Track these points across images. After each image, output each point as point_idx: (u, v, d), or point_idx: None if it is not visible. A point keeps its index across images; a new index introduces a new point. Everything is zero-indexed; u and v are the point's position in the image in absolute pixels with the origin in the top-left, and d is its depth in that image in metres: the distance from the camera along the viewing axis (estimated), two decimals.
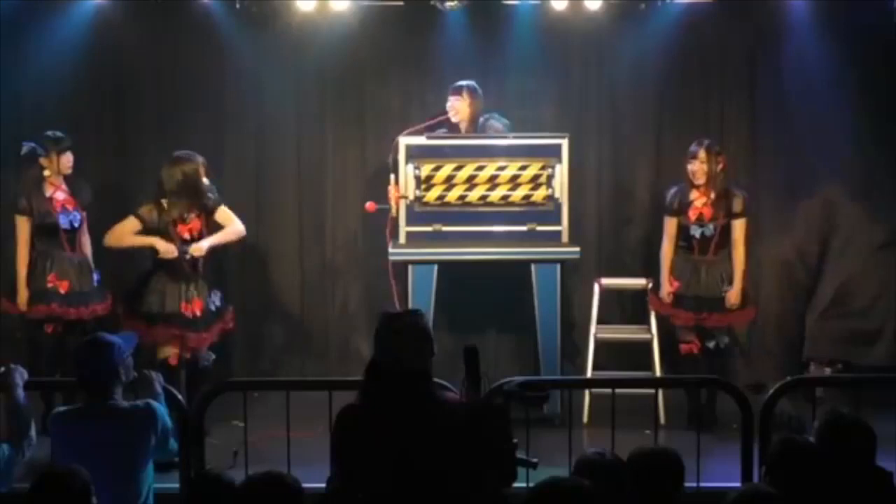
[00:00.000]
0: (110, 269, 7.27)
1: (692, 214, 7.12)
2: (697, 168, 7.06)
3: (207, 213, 6.88)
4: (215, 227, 6.93)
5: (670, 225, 7.22)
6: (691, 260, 7.18)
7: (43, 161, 6.89)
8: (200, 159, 6.82)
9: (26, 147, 6.89)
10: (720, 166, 7.07)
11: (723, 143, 7.68)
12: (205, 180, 6.83)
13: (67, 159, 6.95)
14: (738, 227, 7.12)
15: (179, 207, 6.75)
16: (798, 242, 8.13)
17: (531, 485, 3.65)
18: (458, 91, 7.33)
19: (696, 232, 7.13)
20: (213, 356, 6.97)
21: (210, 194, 6.89)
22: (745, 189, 7.32)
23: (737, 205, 7.10)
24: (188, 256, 6.74)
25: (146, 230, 6.77)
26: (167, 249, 6.71)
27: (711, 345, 7.17)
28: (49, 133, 6.92)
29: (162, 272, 6.78)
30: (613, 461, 4.02)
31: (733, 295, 7.09)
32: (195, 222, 6.83)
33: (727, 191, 7.11)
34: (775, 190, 8.09)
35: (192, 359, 6.81)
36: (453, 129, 7.39)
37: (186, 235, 6.79)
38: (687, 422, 6.90)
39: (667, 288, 7.21)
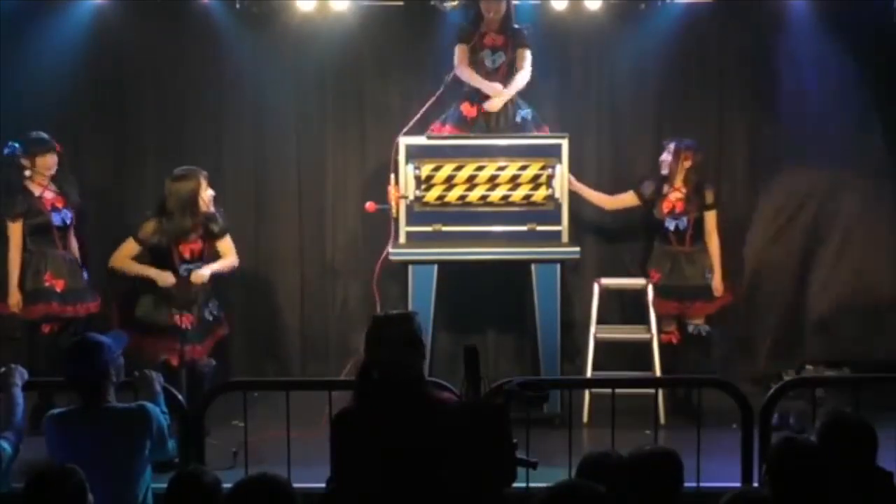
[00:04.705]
0: (98, 268, 7.20)
1: (665, 207, 7.36)
2: (663, 159, 7.38)
3: (211, 238, 6.82)
4: (213, 252, 6.88)
5: (629, 195, 7.51)
6: (670, 251, 7.41)
7: (24, 161, 6.83)
8: (203, 174, 6.76)
9: (8, 148, 6.85)
10: (688, 163, 7.30)
11: (722, 143, 7.72)
12: (208, 201, 6.74)
13: (49, 160, 6.86)
14: (710, 218, 7.41)
15: (177, 224, 6.68)
16: (798, 241, 8.13)
17: (531, 485, 3.64)
18: None
19: (670, 224, 7.38)
20: (214, 362, 6.92)
21: (218, 220, 6.82)
22: (745, 189, 7.35)
23: (708, 197, 7.41)
24: (187, 276, 6.68)
25: (147, 251, 6.72)
26: (164, 280, 6.64)
27: (691, 328, 7.37)
28: (32, 134, 6.87)
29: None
30: (619, 461, 4.01)
31: (717, 282, 7.35)
32: (196, 243, 6.76)
33: (699, 185, 7.37)
34: (775, 189, 8.08)
35: (191, 364, 6.75)
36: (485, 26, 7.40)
37: (187, 255, 6.72)
38: (670, 417, 6.89)
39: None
